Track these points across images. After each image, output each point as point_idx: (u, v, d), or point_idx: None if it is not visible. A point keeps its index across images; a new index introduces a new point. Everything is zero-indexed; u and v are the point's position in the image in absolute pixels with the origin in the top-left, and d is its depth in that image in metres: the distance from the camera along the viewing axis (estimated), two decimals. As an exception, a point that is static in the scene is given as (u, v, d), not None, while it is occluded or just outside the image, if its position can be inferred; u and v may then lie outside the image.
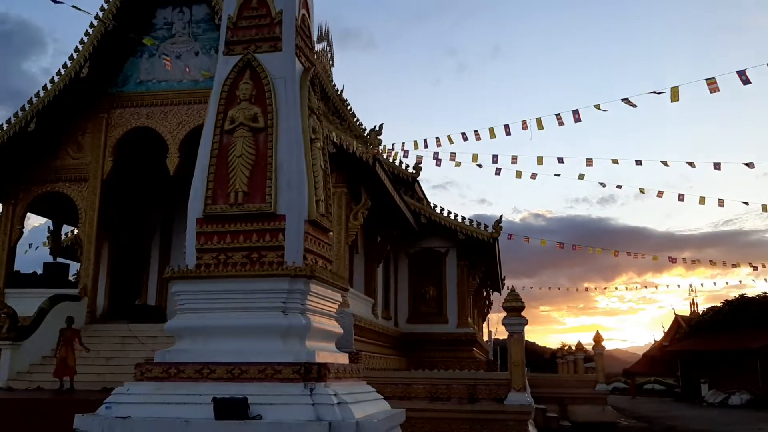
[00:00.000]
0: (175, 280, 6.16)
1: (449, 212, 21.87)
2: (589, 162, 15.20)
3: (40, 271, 18.23)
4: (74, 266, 20.27)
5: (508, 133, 10.78)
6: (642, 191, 16.87)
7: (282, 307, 5.93)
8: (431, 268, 22.41)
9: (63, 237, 20.54)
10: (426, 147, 14.29)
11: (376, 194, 16.31)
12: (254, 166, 6.26)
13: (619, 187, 16.96)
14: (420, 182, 23.49)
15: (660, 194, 16.92)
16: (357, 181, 15.33)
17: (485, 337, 38.16)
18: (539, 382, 19.26)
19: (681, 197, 16.68)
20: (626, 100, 11.16)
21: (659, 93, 9.40)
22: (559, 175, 15.81)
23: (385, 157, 23.41)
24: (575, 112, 10.04)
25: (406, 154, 17.28)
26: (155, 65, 16.44)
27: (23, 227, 16.61)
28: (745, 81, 8.79)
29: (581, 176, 15.91)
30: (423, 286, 22.42)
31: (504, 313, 9.70)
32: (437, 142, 13.77)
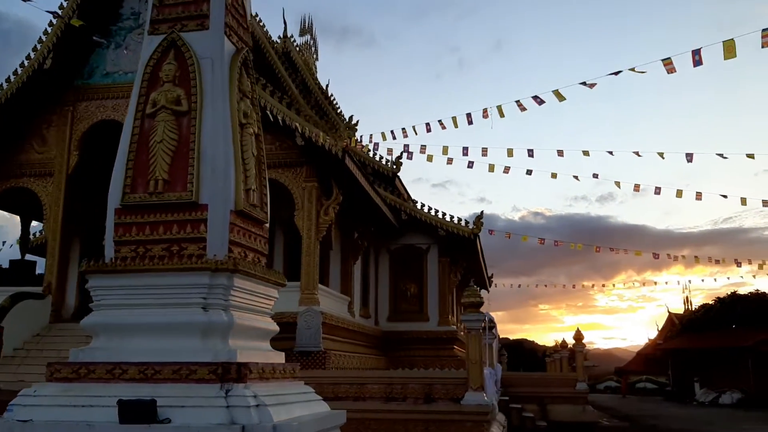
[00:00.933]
0: (91, 274, 5.76)
1: (429, 208, 21.48)
2: (586, 153, 14.67)
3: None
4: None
5: (470, 122, 10.37)
6: (637, 188, 15.98)
7: (202, 303, 5.53)
8: (412, 265, 22.02)
9: (33, 235, 20.10)
10: (405, 136, 13.82)
11: (348, 189, 15.91)
12: (176, 152, 5.86)
13: (617, 184, 16.16)
14: (401, 178, 23.11)
15: (657, 191, 16.16)
16: (328, 176, 14.94)
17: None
18: (519, 381, 18.91)
19: (679, 193, 16.09)
20: (615, 73, 10.67)
21: (639, 72, 8.79)
22: (555, 176, 15.27)
23: (366, 152, 23.07)
24: (535, 97, 9.62)
25: (390, 152, 16.94)
26: (121, 56, 15.99)
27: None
28: (697, 62, 8.38)
29: (576, 177, 15.33)
30: (404, 284, 22.04)
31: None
32: (404, 132, 13.38)
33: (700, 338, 40.97)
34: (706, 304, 45.28)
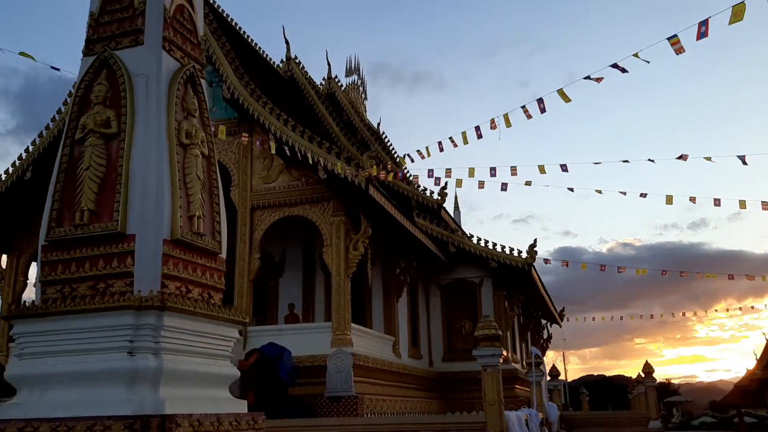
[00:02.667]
0: (14, 319, 5.19)
1: (479, 239, 20.41)
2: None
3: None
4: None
5: (479, 137, 9.48)
6: (743, 205, 14.15)
7: (128, 346, 4.83)
8: (465, 300, 20.89)
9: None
10: (448, 175, 12.84)
11: (379, 221, 15.15)
12: (104, 179, 5.27)
13: (716, 201, 14.48)
14: (446, 209, 22.20)
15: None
16: (355, 209, 14.24)
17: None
18: (586, 421, 17.31)
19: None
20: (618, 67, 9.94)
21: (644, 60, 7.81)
22: (645, 194, 14.06)
23: (415, 185, 22.32)
24: (539, 101, 8.63)
25: (437, 181, 15.90)
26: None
27: (27, 278, 16.25)
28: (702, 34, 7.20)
29: (669, 199, 13.93)
30: (458, 321, 20.90)
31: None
32: (447, 172, 12.62)
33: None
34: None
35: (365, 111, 31.09)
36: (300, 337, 14.06)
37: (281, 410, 11.54)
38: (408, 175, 25.61)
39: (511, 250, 19.91)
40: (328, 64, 27.05)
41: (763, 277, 22.76)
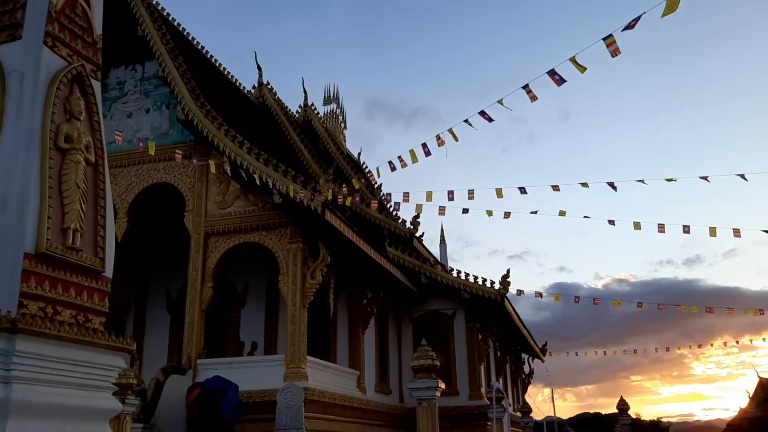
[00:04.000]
0: None
1: (451, 269, 19.79)
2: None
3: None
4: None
5: (427, 154, 8.92)
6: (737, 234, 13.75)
7: (-27, 374, 4.20)
8: (438, 333, 20.09)
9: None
10: (429, 200, 12.35)
11: (342, 249, 14.54)
12: (-38, 183, 4.68)
13: (713, 233, 14.11)
14: (420, 239, 21.62)
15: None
16: (313, 235, 13.64)
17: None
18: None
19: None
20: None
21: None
22: (639, 226, 13.67)
23: (390, 215, 21.77)
24: (482, 113, 8.09)
25: (442, 211, 15.02)
26: (107, 127, 15.40)
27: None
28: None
29: (661, 227, 13.57)
30: (430, 354, 20.12)
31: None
32: (427, 195, 12.07)
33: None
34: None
35: (344, 140, 30.68)
36: (252, 370, 13.33)
37: (225, 448, 10.81)
38: (388, 203, 25.12)
39: (484, 281, 19.30)
40: (305, 92, 26.69)
41: (756, 312, 22.21)
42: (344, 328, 16.82)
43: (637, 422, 71.33)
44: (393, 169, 9.60)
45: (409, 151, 9.19)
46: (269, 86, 23.47)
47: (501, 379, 24.08)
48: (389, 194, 18.98)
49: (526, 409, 17.62)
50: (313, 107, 26.92)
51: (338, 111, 30.98)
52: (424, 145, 9.08)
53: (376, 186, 26.00)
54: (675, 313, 22.30)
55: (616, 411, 16.32)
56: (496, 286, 19.08)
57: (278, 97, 23.56)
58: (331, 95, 30.81)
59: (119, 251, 16.94)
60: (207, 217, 14.32)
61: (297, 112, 26.40)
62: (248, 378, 12.98)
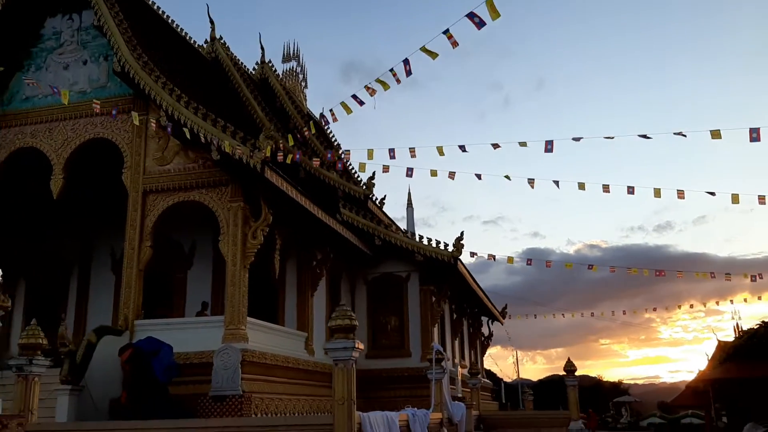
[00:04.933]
0: None
1: (405, 232, 19.57)
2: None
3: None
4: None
5: (361, 104, 8.58)
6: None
7: None
8: (392, 295, 20.03)
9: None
10: (392, 157, 12.09)
11: (288, 210, 14.19)
12: None
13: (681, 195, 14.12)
14: (375, 200, 21.33)
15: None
16: (255, 194, 13.22)
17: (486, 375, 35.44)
18: (505, 422, 16.59)
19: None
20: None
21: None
22: (608, 189, 13.58)
23: (354, 176, 21.41)
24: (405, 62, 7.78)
25: (409, 172, 14.59)
26: (42, 79, 14.73)
27: None
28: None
29: (657, 192, 13.50)
30: (384, 317, 20.02)
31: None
32: (390, 153, 11.79)
33: (743, 367, 37.35)
34: (750, 329, 41.54)
35: (305, 99, 30.03)
36: (191, 332, 13.01)
37: (156, 410, 10.54)
38: (348, 164, 24.72)
39: (438, 243, 19.12)
40: (261, 48, 25.93)
41: (728, 277, 22.42)
42: (293, 290, 16.54)
43: (600, 384, 73.01)
44: (326, 123, 9.25)
45: (341, 103, 8.84)
46: (222, 41, 22.74)
47: (457, 341, 24.13)
48: (346, 153, 18.66)
49: (475, 371, 17.61)
50: (270, 64, 26.20)
51: (299, 69, 30.23)
52: (355, 96, 8.75)
53: (342, 151, 25.62)
54: (644, 279, 22.44)
55: (564, 372, 16.32)
56: (450, 248, 18.93)
57: (232, 53, 22.86)
58: (291, 53, 30.00)
59: (59, 209, 16.43)
60: (145, 174, 13.83)
61: (254, 69, 25.70)
62: (187, 339, 12.67)
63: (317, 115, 29.71)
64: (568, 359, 16.28)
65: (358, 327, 20.25)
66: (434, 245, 19.08)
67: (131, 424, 9.12)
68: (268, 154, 12.06)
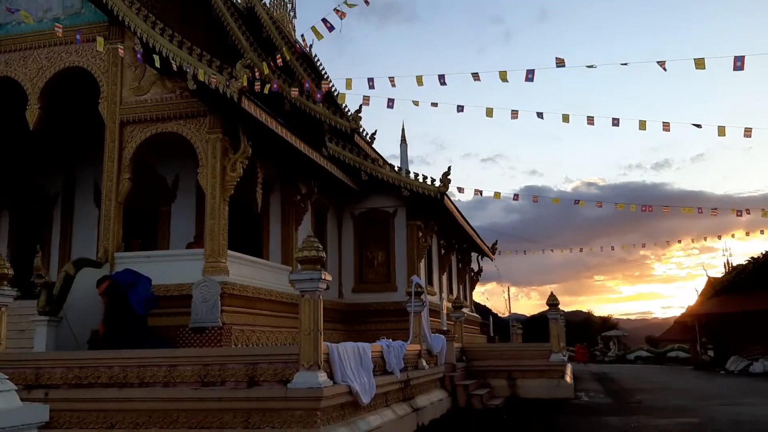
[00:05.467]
0: None
1: (393, 167, 19.37)
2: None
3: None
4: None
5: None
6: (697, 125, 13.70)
7: None
8: (378, 230, 19.98)
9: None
10: (371, 87, 11.89)
11: (270, 142, 13.95)
12: None
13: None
14: (366, 135, 21.05)
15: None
16: (234, 125, 12.95)
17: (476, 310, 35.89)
18: (488, 354, 16.80)
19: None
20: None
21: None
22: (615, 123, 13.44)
23: (343, 110, 21.02)
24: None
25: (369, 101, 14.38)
26: (13, 4, 14.19)
27: None
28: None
29: (642, 124, 13.37)
30: (370, 251, 20.02)
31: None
32: (369, 82, 11.51)
33: (730, 302, 37.95)
34: (739, 265, 41.83)
35: (293, 30, 29.28)
36: (171, 264, 12.94)
37: (133, 341, 10.56)
38: (335, 95, 24.27)
39: (425, 178, 18.96)
40: (248, -24, 24.96)
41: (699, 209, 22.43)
42: (277, 224, 16.46)
43: (590, 319, 74.24)
44: (299, 49, 8.92)
45: (311, 27, 8.49)
46: (206, -32, 21.90)
47: (444, 276, 24.26)
48: (325, 82, 18.22)
49: (458, 304, 17.72)
50: (258, -7, 25.37)
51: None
52: (325, 20, 8.41)
53: (333, 85, 25.12)
54: (639, 217, 22.54)
55: (547, 306, 16.43)
56: (437, 184, 18.78)
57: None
58: (280, -20, 29.07)
59: (41, 142, 16.14)
60: (122, 104, 13.49)
61: (240, -3, 24.91)
62: (167, 272, 12.63)
63: (307, 47, 29.11)
64: (551, 293, 16.37)
65: (344, 262, 20.34)
66: (421, 180, 18.92)
67: (89, 353, 9.12)
68: (245, 84, 11.72)
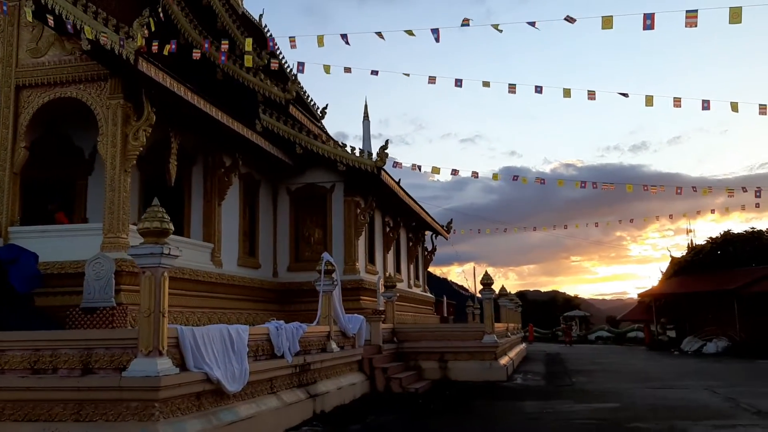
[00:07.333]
0: None
1: (327, 138, 18.55)
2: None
3: None
4: None
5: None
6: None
7: None
8: (316, 207, 19.21)
9: None
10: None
11: (184, 111, 13.06)
12: None
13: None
14: (296, 106, 20.12)
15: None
16: (137, 90, 12.02)
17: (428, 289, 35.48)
18: (419, 335, 16.18)
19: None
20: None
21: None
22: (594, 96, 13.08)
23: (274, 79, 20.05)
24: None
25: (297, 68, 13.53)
26: None
27: None
28: None
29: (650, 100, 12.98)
30: (307, 229, 19.25)
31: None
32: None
33: (688, 282, 37.96)
34: (697, 245, 41.85)
35: (241, 1, 28.10)
36: (69, 239, 12.06)
37: (12, 321, 9.69)
38: (285, 66, 23.27)
39: (362, 152, 18.18)
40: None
41: (705, 191, 22.20)
42: (199, 199, 15.59)
43: (554, 299, 74.47)
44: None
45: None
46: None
47: (390, 255, 23.58)
48: (272, 56, 17.22)
49: (390, 283, 17.05)
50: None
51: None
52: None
53: (282, 55, 24.10)
54: (617, 198, 22.13)
55: (485, 287, 15.80)
56: (374, 158, 18.02)
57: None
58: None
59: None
60: (18, 66, 12.47)
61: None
62: (64, 247, 11.76)
63: (257, 18, 27.98)
64: (486, 272, 15.76)
65: (279, 239, 19.47)
66: (357, 154, 18.14)
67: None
68: (141, 43, 10.79)
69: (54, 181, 15.52)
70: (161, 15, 17.32)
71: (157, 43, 11.59)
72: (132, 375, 6.02)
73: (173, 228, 6.60)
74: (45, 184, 15.53)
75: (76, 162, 15.59)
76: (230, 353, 7.15)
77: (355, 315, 13.09)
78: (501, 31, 10.40)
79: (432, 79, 13.78)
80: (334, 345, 11.26)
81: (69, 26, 11.20)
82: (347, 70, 13.85)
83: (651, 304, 43.57)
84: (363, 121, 34.58)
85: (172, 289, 13.07)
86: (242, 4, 28.11)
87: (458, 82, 14.47)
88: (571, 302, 67.96)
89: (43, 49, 12.47)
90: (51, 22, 11.27)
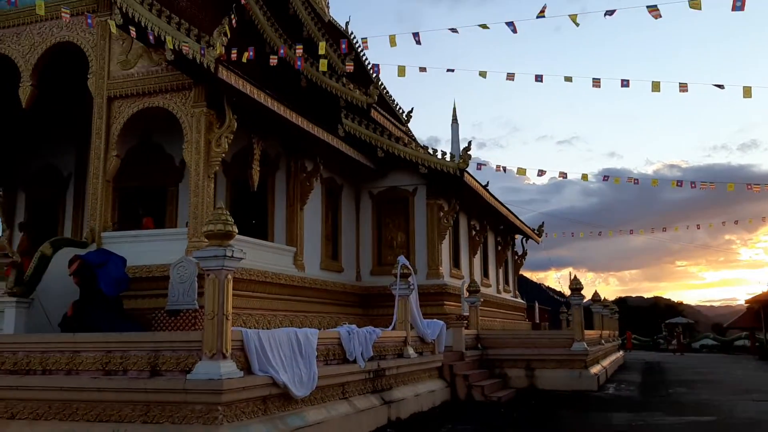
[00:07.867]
0: None
1: (409, 141, 18.39)
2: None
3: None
4: None
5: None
6: None
7: None
8: (398, 209, 19.11)
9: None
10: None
11: (266, 117, 13.30)
12: None
13: None
14: (403, 113, 20.16)
15: None
16: (219, 98, 12.30)
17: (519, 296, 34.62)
18: (505, 342, 15.70)
19: None
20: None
21: None
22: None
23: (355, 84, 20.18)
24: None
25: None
26: (7, -20, 13.94)
27: None
28: None
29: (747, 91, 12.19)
30: (389, 232, 19.17)
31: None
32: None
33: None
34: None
35: (327, 6, 28.47)
36: (157, 244, 12.47)
37: (100, 322, 10.10)
38: (374, 75, 23.42)
39: (444, 154, 17.92)
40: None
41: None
42: (282, 204, 15.82)
43: (656, 304, 71.22)
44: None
45: None
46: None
47: (477, 259, 23.12)
48: (349, 63, 17.37)
49: (473, 288, 16.67)
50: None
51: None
52: None
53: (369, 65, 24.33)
54: (726, 200, 20.60)
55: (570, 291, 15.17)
56: (456, 160, 17.72)
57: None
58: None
59: (46, 119, 15.78)
60: (110, 79, 13.05)
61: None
62: (151, 252, 12.19)
63: (343, 25, 28.27)
64: (574, 277, 15.13)
65: (363, 243, 19.51)
66: (439, 156, 17.90)
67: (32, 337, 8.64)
68: (221, 52, 11.03)
69: (148, 189, 16.20)
70: (236, 20, 17.77)
71: (236, 51, 11.79)
72: (196, 378, 6.06)
73: (237, 230, 6.62)
74: (140, 192, 16.23)
75: (168, 169, 16.20)
76: (298, 357, 7.11)
77: (434, 320, 12.85)
78: (578, 24, 9.89)
79: (510, 76, 13.35)
80: (411, 350, 11.07)
81: (151, 36, 11.59)
82: (422, 69, 13.58)
83: (760, 311, 40.80)
84: (452, 124, 34.32)
85: (255, 292, 13.41)
86: (328, 13, 28.51)
87: (538, 78, 13.97)
88: (674, 308, 64.70)
89: (132, 61, 12.98)
90: (133, 32, 11.69)
